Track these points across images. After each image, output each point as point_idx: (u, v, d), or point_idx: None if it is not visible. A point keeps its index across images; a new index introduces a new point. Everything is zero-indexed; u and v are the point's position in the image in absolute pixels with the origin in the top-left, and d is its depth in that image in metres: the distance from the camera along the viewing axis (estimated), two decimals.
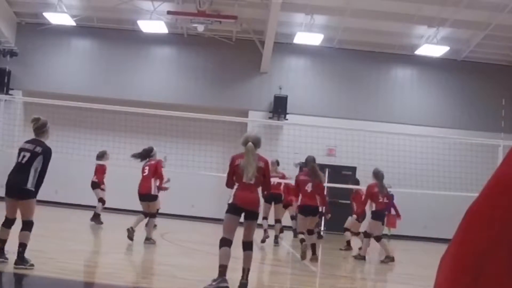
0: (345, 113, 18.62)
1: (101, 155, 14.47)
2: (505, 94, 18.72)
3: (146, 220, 10.95)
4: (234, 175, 6.77)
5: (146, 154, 11.43)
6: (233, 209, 6.62)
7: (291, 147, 15.40)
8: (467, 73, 19.12)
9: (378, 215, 11.20)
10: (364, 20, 17.27)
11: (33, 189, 6.73)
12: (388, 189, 16.94)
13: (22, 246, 6.66)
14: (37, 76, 18.98)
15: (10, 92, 18.36)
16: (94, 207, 14.35)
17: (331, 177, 18.47)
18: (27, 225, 6.71)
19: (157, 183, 11.23)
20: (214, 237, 13.26)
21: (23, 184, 6.68)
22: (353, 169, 18.46)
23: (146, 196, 10.92)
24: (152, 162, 11.28)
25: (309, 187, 10.25)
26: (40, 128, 7.05)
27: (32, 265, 6.70)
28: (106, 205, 18.14)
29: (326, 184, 17.92)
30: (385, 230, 17.97)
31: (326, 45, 18.59)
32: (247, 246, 6.73)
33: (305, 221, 10.37)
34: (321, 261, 11.92)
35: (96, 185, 14.34)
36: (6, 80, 18.49)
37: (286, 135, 17.24)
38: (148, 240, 10.75)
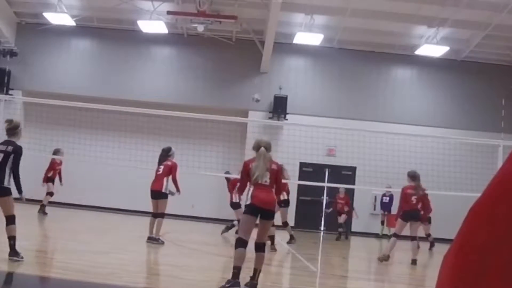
0: (345, 113, 18.61)
1: (56, 152, 14.90)
2: (505, 94, 18.69)
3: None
4: (247, 177, 6.87)
5: (165, 155, 11.53)
6: (251, 209, 6.70)
7: (291, 147, 15.38)
8: (467, 73, 19.10)
9: (405, 216, 11.26)
10: (364, 20, 17.25)
11: (9, 187, 7.16)
12: (388, 190, 17.02)
13: (13, 239, 7.04)
14: (37, 76, 18.97)
15: (10, 92, 18.36)
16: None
17: (331, 177, 18.47)
18: (11, 220, 7.12)
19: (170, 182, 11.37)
20: (214, 237, 13.27)
21: (1, 183, 7.06)
22: (353, 169, 18.46)
23: (157, 193, 11.16)
24: (169, 163, 11.38)
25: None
26: (12, 129, 7.56)
27: (22, 257, 7.04)
28: (107, 206, 18.22)
29: (326, 184, 17.93)
30: (385, 230, 18.03)
31: (326, 45, 18.57)
32: (260, 247, 6.82)
33: None
34: (321, 261, 11.92)
35: (49, 179, 14.78)
36: (6, 80, 18.49)
37: (286, 135, 17.21)
38: (156, 240, 10.88)
